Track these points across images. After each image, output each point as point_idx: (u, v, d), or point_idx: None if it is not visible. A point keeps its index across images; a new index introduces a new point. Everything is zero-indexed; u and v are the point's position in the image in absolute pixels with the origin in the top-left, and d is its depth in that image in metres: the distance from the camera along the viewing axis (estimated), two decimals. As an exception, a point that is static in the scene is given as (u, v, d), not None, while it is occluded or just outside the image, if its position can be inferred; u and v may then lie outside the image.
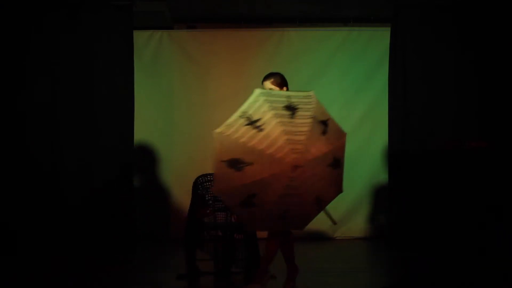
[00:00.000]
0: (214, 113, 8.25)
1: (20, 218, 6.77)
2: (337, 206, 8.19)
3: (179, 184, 7.98)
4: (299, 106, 4.51)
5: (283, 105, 4.48)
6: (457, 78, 7.10)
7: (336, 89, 8.23)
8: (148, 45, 8.20)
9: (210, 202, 6.15)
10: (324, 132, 4.58)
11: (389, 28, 7.24)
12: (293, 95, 4.60)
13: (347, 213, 8.24)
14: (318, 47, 8.26)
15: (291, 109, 4.48)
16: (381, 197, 7.92)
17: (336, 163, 4.73)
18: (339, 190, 4.89)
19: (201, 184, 6.20)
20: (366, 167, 8.19)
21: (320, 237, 8.16)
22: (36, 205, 6.86)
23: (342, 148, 4.78)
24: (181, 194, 7.69)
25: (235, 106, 8.15)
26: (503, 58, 7.02)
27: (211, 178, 6.22)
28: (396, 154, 7.08)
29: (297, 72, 8.24)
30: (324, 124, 4.61)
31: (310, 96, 4.66)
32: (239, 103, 8.17)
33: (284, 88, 5.08)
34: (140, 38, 7.98)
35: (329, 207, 8.03)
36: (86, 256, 6.70)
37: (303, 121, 4.49)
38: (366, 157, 8.19)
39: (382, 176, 7.95)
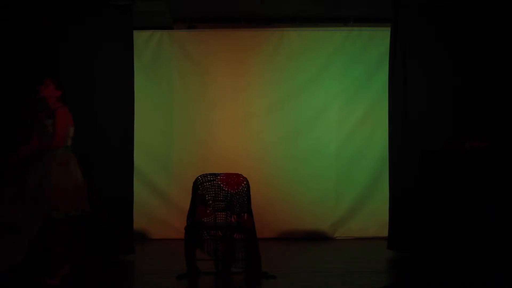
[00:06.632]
0: (214, 113, 8.26)
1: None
2: (338, 206, 8.24)
3: (179, 184, 7.98)
4: None
5: None
6: (457, 78, 7.09)
7: (336, 89, 8.22)
8: (148, 45, 8.20)
9: (210, 202, 6.15)
10: None
11: (389, 28, 7.23)
12: None
13: (347, 213, 8.23)
14: (318, 47, 8.26)
15: None
16: (381, 197, 7.91)
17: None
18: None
19: (201, 184, 6.20)
20: (366, 167, 8.19)
21: (320, 237, 8.16)
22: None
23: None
24: (181, 194, 7.68)
25: (235, 106, 8.34)
26: (503, 58, 7.02)
27: (211, 178, 6.24)
28: (396, 154, 7.07)
29: (297, 72, 8.25)
30: None
31: None
32: (239, 103, 8.32)
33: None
34: (140, 38, 7.98)
35: (329, 208, 8.23)
36: (86, 256, 6.69)
37: None
38: (366, 157, 8.19)
39: (382, 176, 7.94)
